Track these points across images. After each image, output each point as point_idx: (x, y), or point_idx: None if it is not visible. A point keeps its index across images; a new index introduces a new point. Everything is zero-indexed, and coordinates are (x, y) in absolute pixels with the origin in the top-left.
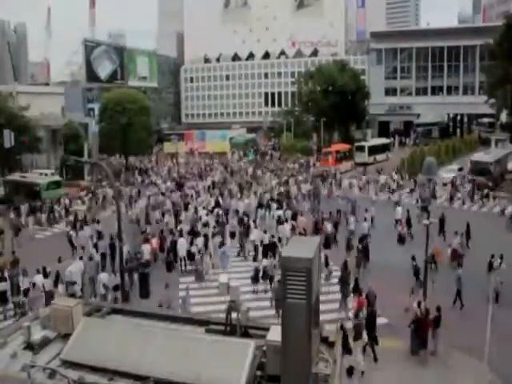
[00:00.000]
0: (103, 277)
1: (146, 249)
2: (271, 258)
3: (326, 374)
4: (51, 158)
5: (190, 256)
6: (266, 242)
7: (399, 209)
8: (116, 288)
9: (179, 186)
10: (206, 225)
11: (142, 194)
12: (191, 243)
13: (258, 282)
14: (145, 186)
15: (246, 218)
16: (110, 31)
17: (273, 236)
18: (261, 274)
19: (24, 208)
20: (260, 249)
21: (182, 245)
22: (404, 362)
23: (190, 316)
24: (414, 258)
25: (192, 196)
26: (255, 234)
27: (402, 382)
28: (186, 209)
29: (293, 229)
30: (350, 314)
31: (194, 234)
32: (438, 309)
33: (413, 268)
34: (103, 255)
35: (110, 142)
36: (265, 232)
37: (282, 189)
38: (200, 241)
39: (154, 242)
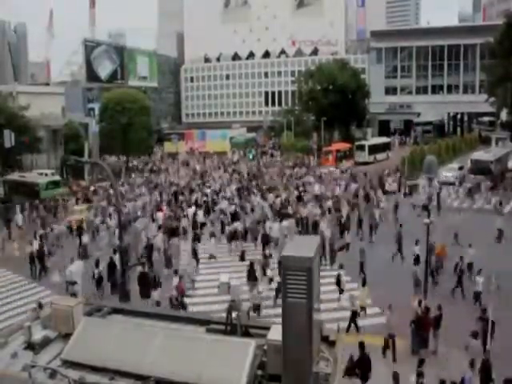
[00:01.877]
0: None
1: (159, 216)
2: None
3: (326, 373)
4: (51, 158)
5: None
6: (232, 210)
7: None
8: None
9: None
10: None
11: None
12: (194, 214)
13: (232, 242)
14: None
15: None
16: (109, 31)
17: (236, 205)
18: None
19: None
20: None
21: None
22: (404, 362)
23: (191, 315)
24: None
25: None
26: (224, 204)
27: (402, 381)
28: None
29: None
30: None
31: (197, 206)
32: (439, 307)
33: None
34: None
35: (110, 141)
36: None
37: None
38: (201, 213)
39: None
